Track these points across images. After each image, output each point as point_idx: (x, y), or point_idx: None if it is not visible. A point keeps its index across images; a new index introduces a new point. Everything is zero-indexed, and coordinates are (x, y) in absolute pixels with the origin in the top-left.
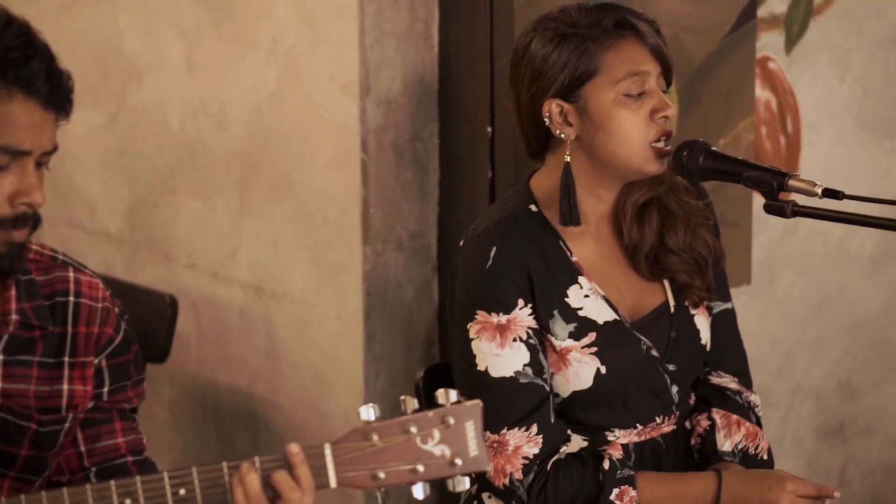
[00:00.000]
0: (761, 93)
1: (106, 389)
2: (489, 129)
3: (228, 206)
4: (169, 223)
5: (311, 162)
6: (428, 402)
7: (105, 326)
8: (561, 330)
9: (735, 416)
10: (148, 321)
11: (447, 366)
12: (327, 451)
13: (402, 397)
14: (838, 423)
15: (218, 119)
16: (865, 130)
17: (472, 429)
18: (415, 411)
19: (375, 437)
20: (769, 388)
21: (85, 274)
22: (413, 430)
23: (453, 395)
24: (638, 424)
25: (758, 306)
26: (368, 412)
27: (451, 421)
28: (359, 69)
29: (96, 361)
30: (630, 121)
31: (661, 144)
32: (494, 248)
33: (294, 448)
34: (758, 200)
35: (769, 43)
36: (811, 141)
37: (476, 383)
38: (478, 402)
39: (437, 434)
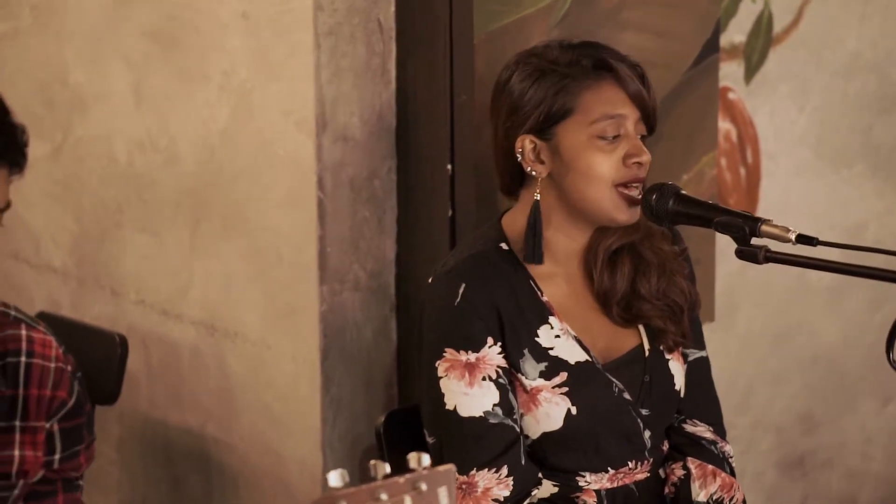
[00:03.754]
0: (721, 123)
1: (57, 457)
2: (449, 166)
3: (178, 242)
4: (115, 258)
5: (264, 199)
6: (388, 449)
7: (58, 390)
8: (531, 369)
9: (710, 467)
10: (97, 362)
11: (408, 411)
12: None
13: (373, 462)
14: (798, 456)
15: (167, 154)
16: (824, 161)
17: (444, 495)
18: (385, 476)
19: None
20: (730, 423)
21: (38, 331)
22: (383, 497)
23: (426, 459)
24: (609, 468)
25: (717, 339)
26: (336, 479)
27: (423, 487)
28: (314, 105)
29: (48, 426)
30: (600, 162)
31: (631, 191)
32: (463, 286)
33: None
34: (721, 237)
35: (729, 73)
36: (770, 172)
37: (445, 423)
38: (451, 468)
39: (408, 501)
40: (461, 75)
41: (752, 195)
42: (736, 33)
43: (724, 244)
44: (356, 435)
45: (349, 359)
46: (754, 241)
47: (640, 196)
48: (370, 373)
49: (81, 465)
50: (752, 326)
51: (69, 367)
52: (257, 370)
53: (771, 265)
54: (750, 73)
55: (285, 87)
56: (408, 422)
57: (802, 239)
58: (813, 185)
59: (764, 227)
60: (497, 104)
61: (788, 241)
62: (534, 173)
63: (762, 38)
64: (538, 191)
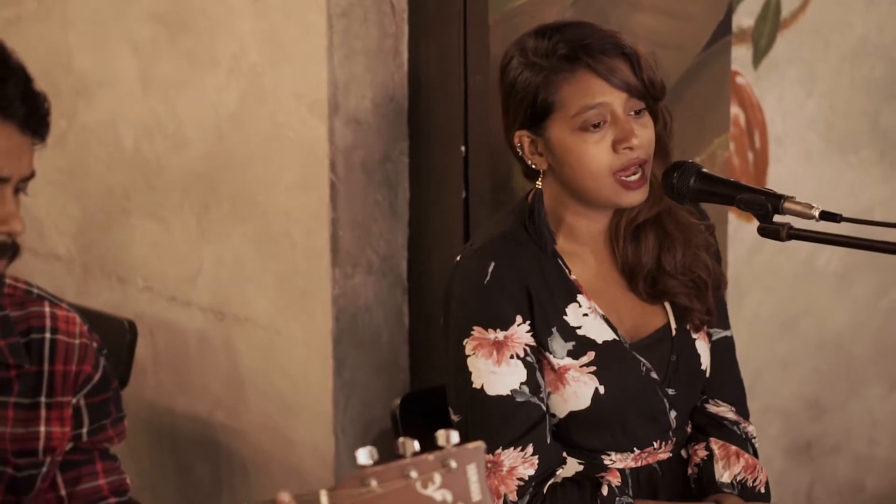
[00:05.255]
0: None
1: (85, 430)
2: (463, 148)
3: (186, 228)
4: (122, 245)
5: (275, 183)
6: (405, 432)
7: (83, 364)
8: (559, 348)
9: (734, 447)
10: (105, 348)
11: (424, 393)
12: (324, 498)
13: (401, 439)
14: (806, 441)
15: (175, 139)
16: (832, 146)
17: (474, 472)
18: (414, 454)
19: (374, 483)
20: None
21: (61, 308)
22: (413, 474)
23: (454, 436)
24: (635, 448)
25: None
26: (365, 455)
27: (453, 464)
28: (327, 87)
29: (74, 401)
30: (590, 154)
31: (629, 177)
32: (493, 264)
33: (285, 497)
34: (733, 221)
35: (737, 57)
36: (778, 157)
37: (471, 401)
38: (480, 445)
39: (437, 478)
40: (475, 56)
41: (759, 180)
42: (744, 17)
43: (733, 229)
44: (369, 419)
45: (361, 343)
46: (777, 218)
47: (635, 178)
48: (382, 357)
49: (113, 438)
50: (760, 311)
51: (94, 344)
52: (267, 355)
53: (778, 250)
54: (758, 58)
55: (297, 69)
56: (424, 404)
57: (826, 216)
58: (820, 170)
59: (787, 204)
60: (500, 94)
61: (812, 217)
62: (534, 167)
63: (770, 23)
64: (540, 181)
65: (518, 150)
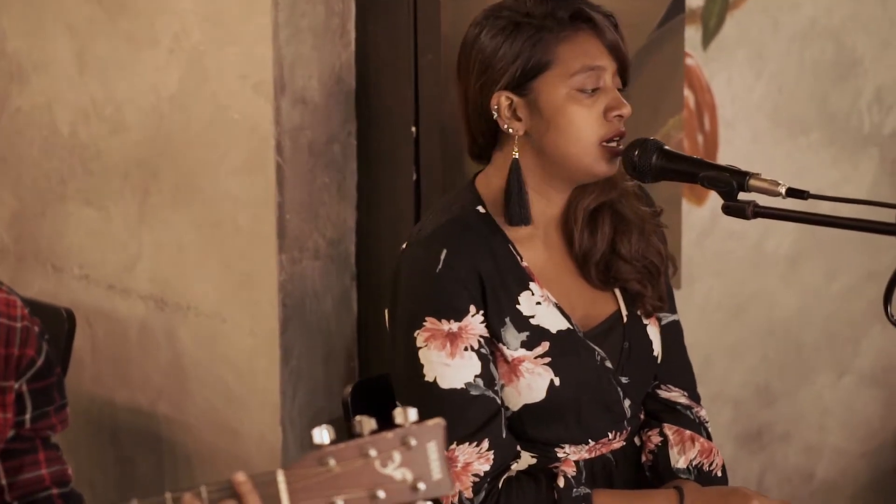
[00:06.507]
0: None
1: (28, 416)
2: (413, 129)
3: (126, 214)
4: (58, 233)
5: (219, 166)
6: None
7: (25, 348)
8: (513, 339)
9: (688, 432)
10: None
11: (376, 380)
12: (280, 478)
13: (358, 418)
14: (756, 429)
15: (113, 122)
16: (781, 129)
17: (434, 450)
18: (372, 432)
19: (332, 462)
20: None
21: (1, 291)
22: (372, 453)
23: (413, 413)
24: (590, 440)
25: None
26: (322, 434)
27: (413, 442)
28: (272, 67)
29: (17, 386)
30: (582, 117)
31: (613, 144)
32: (445, 251)
33: (241, 477)
34: (684, 203)
35: (687, 38)
36: (728, 139)
37: (423, 395)
38: (440, 421)
39: (397, 457)
40: (426, 34)
41: None
42: None
43: (684, 213)
44: (317, 409)
45: (309, 330)
46: (741, 196)
47: (620, 148)
48: (330, 344)
49: (55, 426)
50: (710, 297)
51: (36, 328)
52: (211, 344)
53: (728, 234)
54: (707, 39)
55: (242, 49)
56: (376, 392)
57: (792, 192)
58: (770, 153)
59: (752, 182)
60: (466, 62)
61: (778, 195)
62: (511, 131)
63: (720, 3)
64: (516, 148)
65: (494, 112)
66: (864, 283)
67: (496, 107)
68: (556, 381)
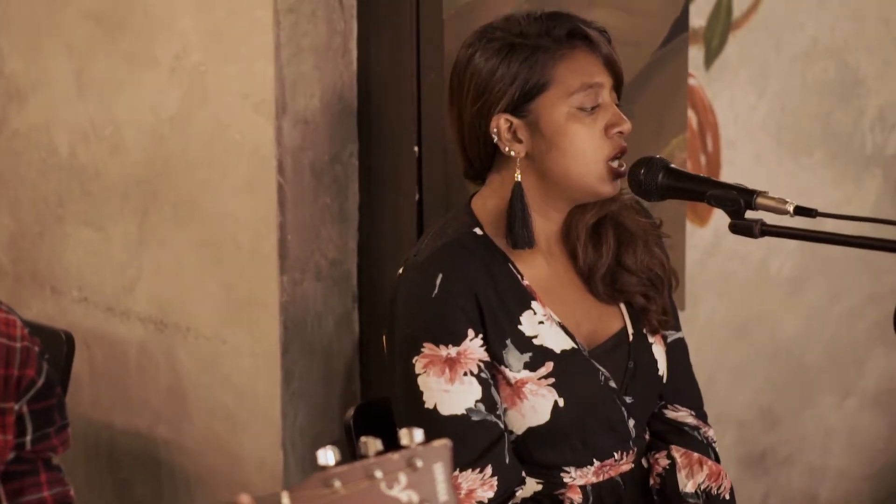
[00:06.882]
0: None
1: (29, 438)
2: (416, 148)
3: (125, 235)
4: (56, 255)
5: (219, 186)
6: (358, 442)
7: (26, 368)
8: (515, 360)
9: (696, 455)
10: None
11: (378, 403)
12: (285, 500)
13: (363, 439)
14: (760, 451)
15: (112, 142)
16: (784, 148)
17: (440, 471)
18: (378, 453)
19: (337, 484)
20: None
21: (0, 310)
22: (378, 474)
23: (419, 434)
24: (595, 460)
25: None
26: (327, 456)
27: (419, 463)
28: (274, 87)
29: (17, 407)
30: (584, 136)
31: (617, 164)
32: (441, 276)
33: (245, 499)
34: (687, 223)
35: (689, 58)
36: (731, 159)
37: (424, 422)
38: (447, 442)
39: (403, 478)
40: (429, 53)
41: None
42: (696, 17)
43: (689, 231)
44: (318, 431)
45: (310, 352)
46: (749, 214)
47: (623, 168)
48: (332, 366)
49: (56, 447)
50: (714, 318)
51: (36, 348)
52: (212, 366)
53: (731, 255)
54: (710, 59)
55: (242, 68)
56: (379, 414)
57: (801, 211)
58: (773, 173)
59: (760, 200)
60: (460, 85)
61: (786, 213)
62: (512, 153)
63: (722, 22)
64: (518, 171)
65: (494, 135)
66: (867, 305)
67: (496, 130)
68: (560, 402)
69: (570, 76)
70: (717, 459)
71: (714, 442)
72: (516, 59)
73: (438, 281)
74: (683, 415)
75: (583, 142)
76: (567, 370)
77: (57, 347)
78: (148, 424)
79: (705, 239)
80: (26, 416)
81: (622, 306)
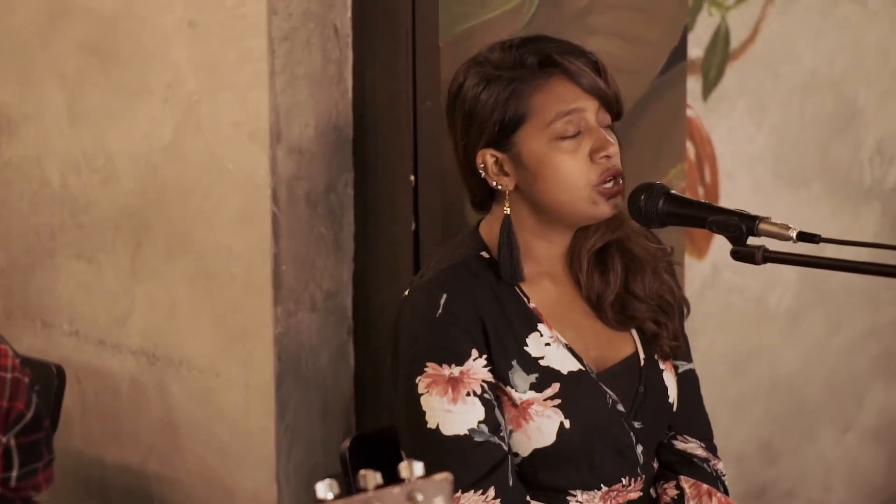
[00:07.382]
0: None
1: (15, 474)
2: (412, 177)
3: (117, 268)
4: (47, 288)
5: (213, 216)
6: (355, 474)
7: (15, 400)
8: (521, 381)
9: (705, 486)
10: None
11: (375, 434)
12: None
13: (363, 472)
14: (760, 486)
15: (104, 173)
16: (781, 180)
17: None
18: (377, 487)
19: None
20: None
21: None
22: None
23: (418, 467)
24: (602, 485)
25: None
26: (326, 491)
27: (419, 497)
28: (268, 115)
29: (4, 440)
30: (567, 165)
31: (608, 185)
32: (445, 296)
33: None
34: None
35: (687, 89)
36: (728, 191)
37: (426, 442)
38: (447, 476)
39: None
40: (425, 81)
41: None
42: (694, 48)
43: (687, 264)
44: (313, 464)
45: (305, 384)
46: (751, 240)
47: (617, 187)
48: (327, 399)
49: (41, 485)
50: (712, 351)
51: (26, 379)
52: (205, 400)
53: (729, 288)
54: (708, 89)
55: (236, 96)
56: (375, 446)
57: (804, 237)
58: (770, 205)
59: (762, 225)
60: (452, 118)
61: (789, 239)
62: (500, 188)
63: (719, 53)
64: (507, 205)
65: (481, 171)
66: (866, 338)
67: (482, 165)
68: (567, 424)
69: (546, 106)
70: (727, 492)
71: (723, 475)
72: (494, 92)
73: (443, 301)
74: (693, 446)
75: (567, 170)
76: (574, 391)
77: (48, 381)
78: (140, 459)
79: (703, 271)
80: (13, 451)
81: (633, 332)
